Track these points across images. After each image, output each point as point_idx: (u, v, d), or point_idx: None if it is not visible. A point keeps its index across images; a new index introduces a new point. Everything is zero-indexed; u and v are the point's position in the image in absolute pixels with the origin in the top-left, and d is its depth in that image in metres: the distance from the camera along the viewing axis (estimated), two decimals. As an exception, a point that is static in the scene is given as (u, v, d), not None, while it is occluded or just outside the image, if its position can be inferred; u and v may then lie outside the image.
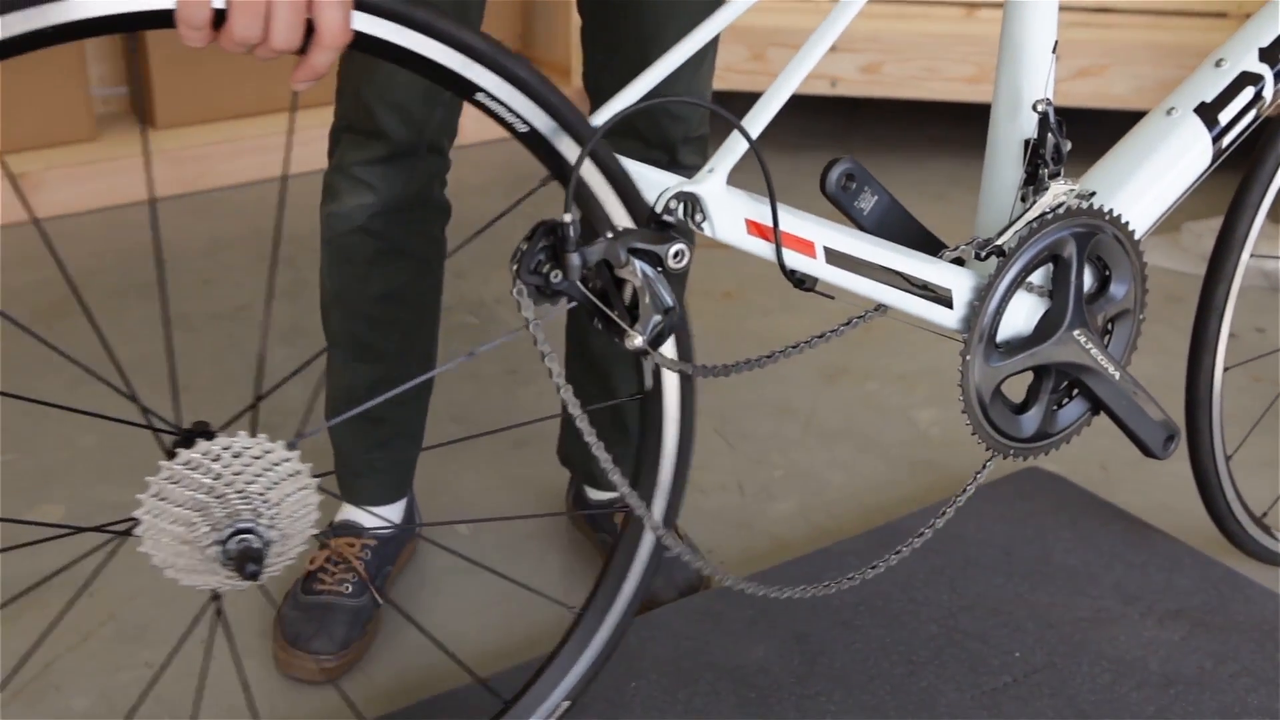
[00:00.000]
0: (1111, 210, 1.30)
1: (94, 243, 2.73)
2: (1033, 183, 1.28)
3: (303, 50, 0.97)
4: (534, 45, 3.70)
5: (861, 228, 1.25)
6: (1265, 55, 1.40)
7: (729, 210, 1.12)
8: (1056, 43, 1.27)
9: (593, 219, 1.15)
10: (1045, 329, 1.29)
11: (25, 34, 0.90)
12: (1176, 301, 2.61)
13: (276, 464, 1.05)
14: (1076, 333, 1.29)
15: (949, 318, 1.25)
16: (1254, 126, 1.42)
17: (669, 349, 1.25)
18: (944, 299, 1.24)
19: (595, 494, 1.82)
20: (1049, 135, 1.26)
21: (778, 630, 1.63)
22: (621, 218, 1.15)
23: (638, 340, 1.10)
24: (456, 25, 1.03)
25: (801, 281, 1.18)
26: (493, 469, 2.00)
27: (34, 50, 0.91)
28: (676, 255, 1.11)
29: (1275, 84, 1.41)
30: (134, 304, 2.51)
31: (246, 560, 1.04)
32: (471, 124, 1.58)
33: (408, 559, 1.80)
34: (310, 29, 0.95)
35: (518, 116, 1.09)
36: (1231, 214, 1.63)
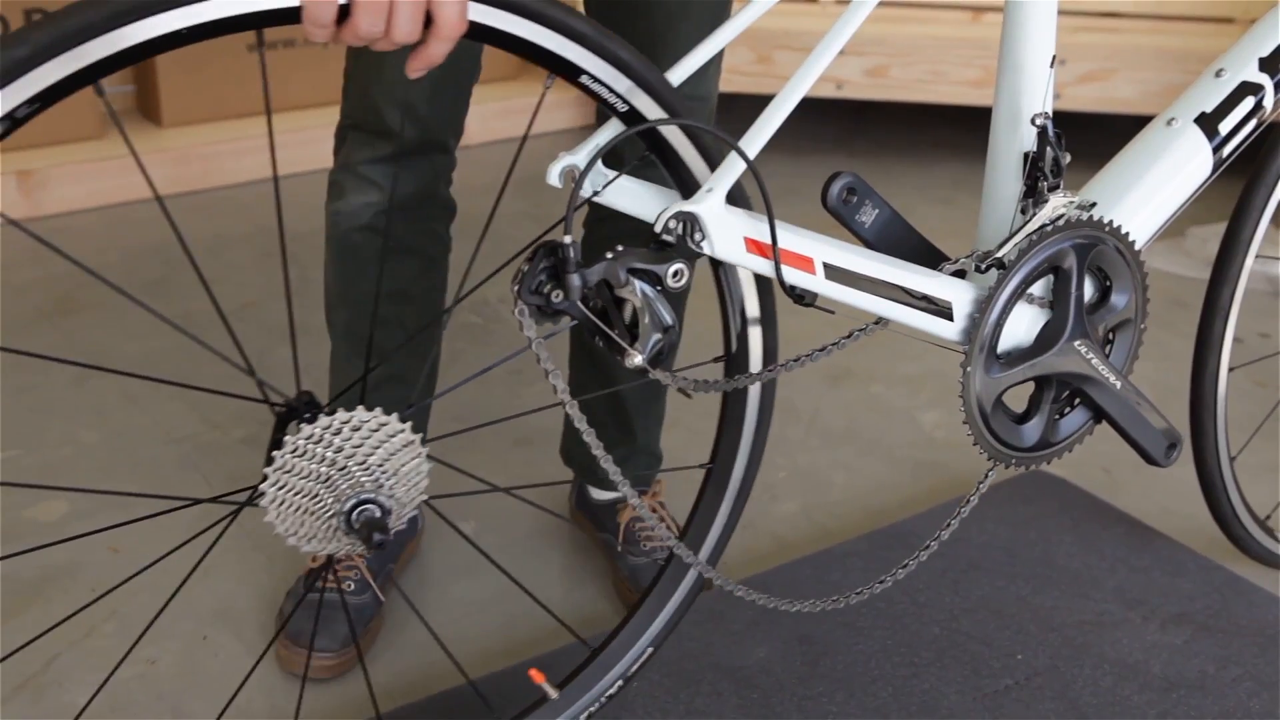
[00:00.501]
0: (1111, 221, 1.30)
1: (99, 240, 2.74)
2: (1033, 195, 1.29)
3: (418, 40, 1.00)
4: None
5: (863, 240, 1.27)
6: (1265, 65, 1.40)
7: (728, 229, 1.13)
8: (1055, 57, 1.28)
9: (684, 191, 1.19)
10: (1046, 340, 1.30)
11: (167, 34, 0.94)
12: (1181, 306, 2.61)
13: (392, 435, 1.10)
14: (1077, 343, 1.30)
15: (950, 330, 1.26)
16: (1255, 136, 1.43)
17: (755, 348, 1.29)
18: (944, 311, 1.25)
19: (598, 494, 1.82)
20: (1048, 149, 1.27)
21: (780, 631, 1.63)
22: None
23: (637, 359, 1.12)
24: (565, 12, 1.07)
25: (801, 297, 1.19)
26: (495, 467, 2.00)
27: (171, 50, 0.95)
28: (676, 275, 1.12)
29: (1276, 94, 1.41)
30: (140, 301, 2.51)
31: (372, 529, 1.09)
32: (476, 124, 1.58)
33: (410, 557, 1.80)
34: (428, 20, 0.98)
35: (619, 97, 1.13)
36: (1236, 216, 1.63)
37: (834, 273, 1.18)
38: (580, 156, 1.21)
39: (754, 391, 1.35)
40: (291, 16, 0.96)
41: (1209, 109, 1.38)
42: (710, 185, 1.13)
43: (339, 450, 1.08)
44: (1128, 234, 1.31)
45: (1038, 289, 1.29)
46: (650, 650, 1.40)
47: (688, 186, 1.20)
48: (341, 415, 1.07)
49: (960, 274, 1.28)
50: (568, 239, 1.07)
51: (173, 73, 3.11)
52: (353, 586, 1.64)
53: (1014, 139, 1.29)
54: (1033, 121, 1.28)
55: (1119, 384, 1.33)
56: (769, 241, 1.14)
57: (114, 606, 1.70)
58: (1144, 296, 1.34)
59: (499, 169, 3.26)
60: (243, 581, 1.76)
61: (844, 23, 1.17)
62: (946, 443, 2.12)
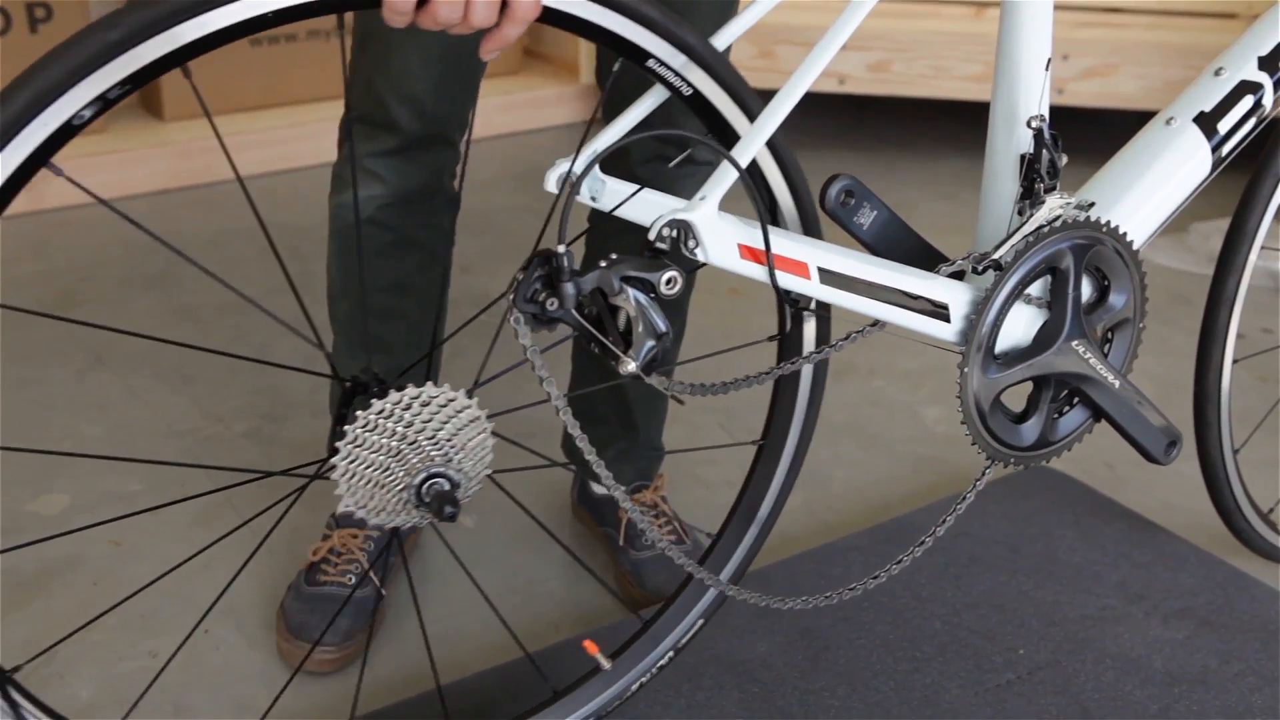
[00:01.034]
0: (1109, 222, 1.30)
1: (101, 234, 2.74)
2: (1030, 196, 1.29)
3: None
4: (542, 43, 3.70)
5: (861, 242, 1.28)
6: (1264, 63, 1.40)
7: (721, 236, 1.13)
8: (1050, 59, 1.28)
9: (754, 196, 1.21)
10: (1044, 340, 1.30)
11: (254, 17, 0.97)
12: (1183, 302, 2.61)
13: (460, 410, 1.13)
14: (1075, 343, 1.30)
15: (947, 331, 1.26)
16: (1254, 134, 1.43)
17: (809, 335, 1.31)
18: (941, 313, 1.25)
19: (599, 488, 1.82)
20: (1044, 151, 1.27)
21: (781, 625, 1.63)
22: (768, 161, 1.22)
23: (631, 366, 1.13)
24: None
25: (796, 302, 1.19)
26: (497, 461, 2.00)
27: (257, 32, 0.98)
28: (669, 282, 1.13)
29: (1275, 92, 1.41)
30: (140, 294, 2.51)
31: (444, 503, 1.13)
32: (478, 118, 1.58)
33: (411, 551, 1.80)
34: (503, 4, 1.02)
35: (684, 80, 1.16)
36: (1242, 207, 1.63)
37: (829, 277, 1.19)
38: (577, 162, 1.22)
39: (807, 369, 1.38)
40: (375, 2, 1.00)
41: (1208, 108, 1.39)
42: (703, 193, 1.13)
43: (409, 425, 1.11)
44: (1125, 234, 1.32)
45: (1035, 289, 1.30)
46: (701, 622, 1.43)
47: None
48: (411, 391, 1.11)
49: (958, 275, 1.29)
50: (562, 248, 1.08)
51: (175, 67, 3.10)
52: (353, 580, 1.64)
53: (1011, 141, 1.30)
54: (1029, 124, 1.28)
55: (1117, 383, 1.33)
56: (763, 248, 1.15)
57: (112, 597, 1.70)
58: (1142, 296, 1.34)
59: (501, 164, 3.28)
60: (244, 575, 1.76)
61: (835, 32, 1.18)
62: (948, 437, 2.12)
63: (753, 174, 1.23)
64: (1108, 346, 1.35)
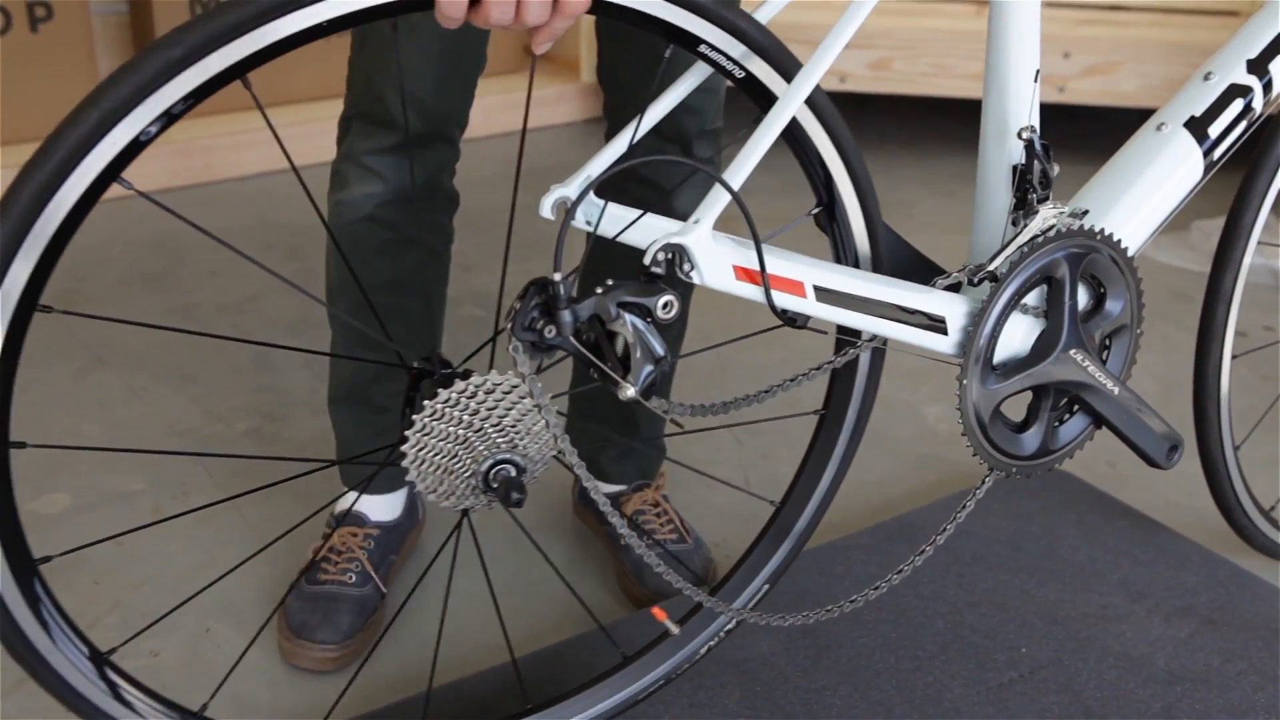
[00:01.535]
0: (1103, 230, 1.31)
1: (101, 233, 2.73)
2: (1023, 207, 1.30)
3: None
4: (542, 39, 3.70)
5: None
6: (1253, 66, 1.41)
7: (716, 258, 1.14)
8: (1038, 71, 1.28)
9: (799, 154, 1.24)
10: (1041, 349, 1.30)
11: (310, 27, 0.99)
12: (1185, 300, 2.61)
13: (524, 397, 1.16)
14: (1073, 351, 1.30)
15: (945, 344, 1.27)
16: (1245, 137, 1.43)
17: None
18: (938, 326, 1.25)
19: (602, 486, 1.82)
20: (1035, 161, 1.28)
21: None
22: (823, 139, 1.24)
23: (630, 391, 1.13)
24: None
25: (793, 320, 1.20)
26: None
27: (314, 41, 1.01)
28: (665, 306, 1.13)
29: (1264, 95, 1.42)
30: (141, 294, 2.51)
31: (511, 489, 1.16)
32: (479, 116, 1.58)
33: (411, 549, 1.80)
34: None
35: (736, 64, 1.17)
36: (1238, 202, 1.63)
37: (825, 295, 1.19)
38: (571, 188, 1.23)
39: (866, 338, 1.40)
40: (423, 4, 1.01)
41: (1198, 112, 1.39)
42: (697, 217, 1.14)
43: (475, 413, 1.14)
44: (1120, 241, 1.32)
45: (1032, 299, 1.30)
46: (767, 587, 1.45)
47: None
48: (475, 379, 1.14)
49: (954, 288, 1.29)
50: (558, 276, 1.08)
51: (175, 66, 3.11)
52: (354, 579, 1.64)
53: (1002, 152, 1.31)
54: (1019, 135, 1.28)
55: (1117, 390, 1.33)
56: (758, 268, 1.15)
57: (117, 598, 1.70)
58: (1139, 302, 1.35)
59: (502, 162, 3.28)
60: (245, 574, 1.76)
61: (839, 30, 1.18)
62: (949, 436, 2.12)
63: (804, 147, 1.24)
64: (1106, 353, 1.36)
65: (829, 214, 1.28)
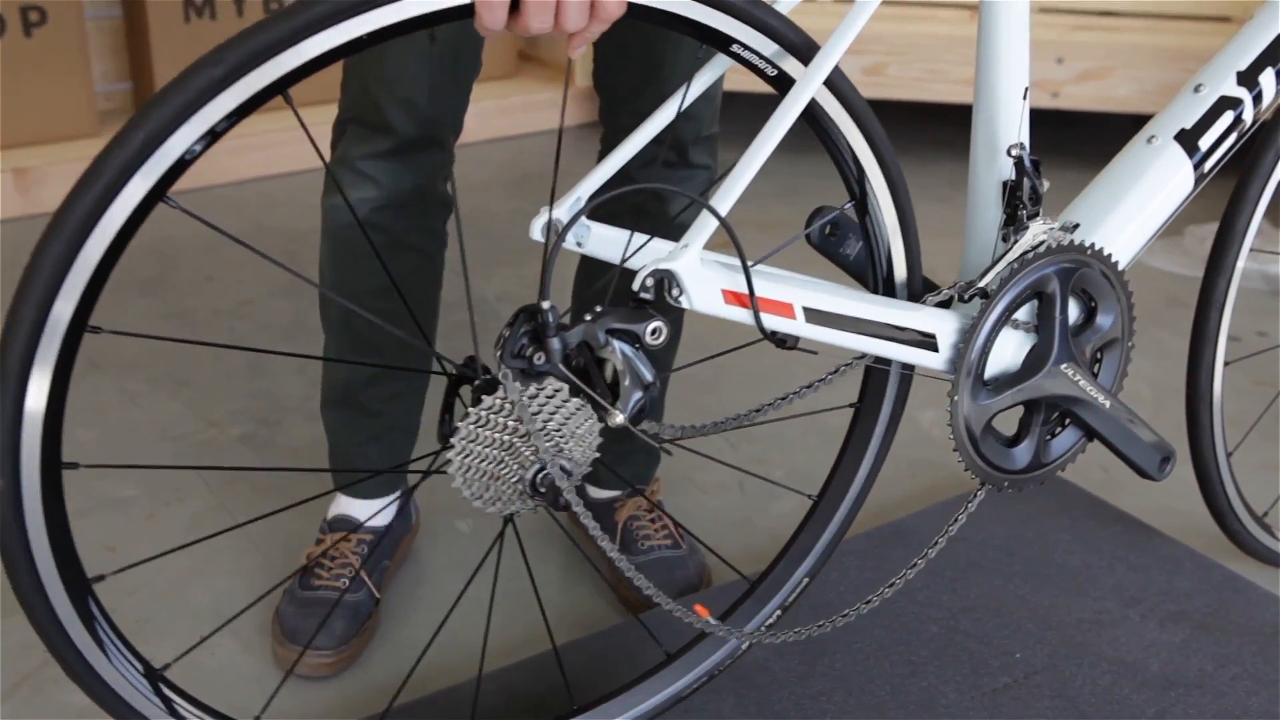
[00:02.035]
0: (1092, 245, 1.31)
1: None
2: (1013, 223, 1.30)
3: None
4: (537, 45, 3.70)
5: (848, 272, 1.30)
6: (1243, 79, 1.41)
7: (705, 283, 1.14)
8: (1027, 89, 1.28)
9: (832, 150, 1.25)
10: (1032, 364, 1.31)
11: (349, 41, 1.00)
12: (1180, 305, 2.61)
13: (566, 400, 1.15)
14: (1064, 366, 1.31)
15: (935, 360, 1.27)
16: (1235, 149, 1.43)
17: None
18: (929, 343, 1.26)
19: (595, 491, 1.82)
20: (1025, 178, 1.28)
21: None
22: (861, 145, 1.25)
23: (619, 418, 1.13)
24: None
25: (783, 341, 1.20)
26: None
27: (357, 53, 1.01)
28: (654, 333, 1.14)
29: (1254, 107, 1.42)
30: (135, 299, 2.51)
31: (559, 494, 1.16)
32: (473, 121, 1.58)
33: (405, 554, 1.79)
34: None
35: (768, 62, 1.18)
36: (1231, 208, 1.63)
37: (814, 315, 1.20)
38: (562, 211, 1.23)
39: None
40: (462, 14, 1.02)
41: (1188, 125, 1.40)
42: (686, 242, 1.14)
43: (519, 419, 1.13)
44: (1110, 255, 1.32)
45: (1022, 314, 1.31)
46: (806, 581, 1.46)
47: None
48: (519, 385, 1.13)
49: (945, 304, 1.30)
50: (546, 304, 1.09)
51: (169, 70, 3.10)
52: (347, 584, 1.64)
53: (992, 169, 1.31)
54: (1009, 152, 1.29)
55: (1108, 403, 1.34)
56: (747, 292, 1.15)
57: (111, 604, 1.70)
58: (1130, 315, 1.35)
59: (496, 166, 3.28)
60: (238, 580, 1.76)
61: (839, 35, 1.18)
62: (943, 441, 2.11)
63: (834, 140, 1.25)
64: (1097, 367, 1.36)
65: (860, 209, 1.29)
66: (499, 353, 1.11)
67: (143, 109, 0.96)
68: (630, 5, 1.06)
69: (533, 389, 1.13)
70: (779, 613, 1.45)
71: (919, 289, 1.33)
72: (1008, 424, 1.35)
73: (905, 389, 1.42)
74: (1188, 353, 1.69)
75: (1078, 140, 3.24)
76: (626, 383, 1.13)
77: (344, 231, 1.55)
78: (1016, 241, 1.29)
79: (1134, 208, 1.37)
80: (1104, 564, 1.79)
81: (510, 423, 1.13)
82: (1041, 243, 1.29)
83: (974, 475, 1.33)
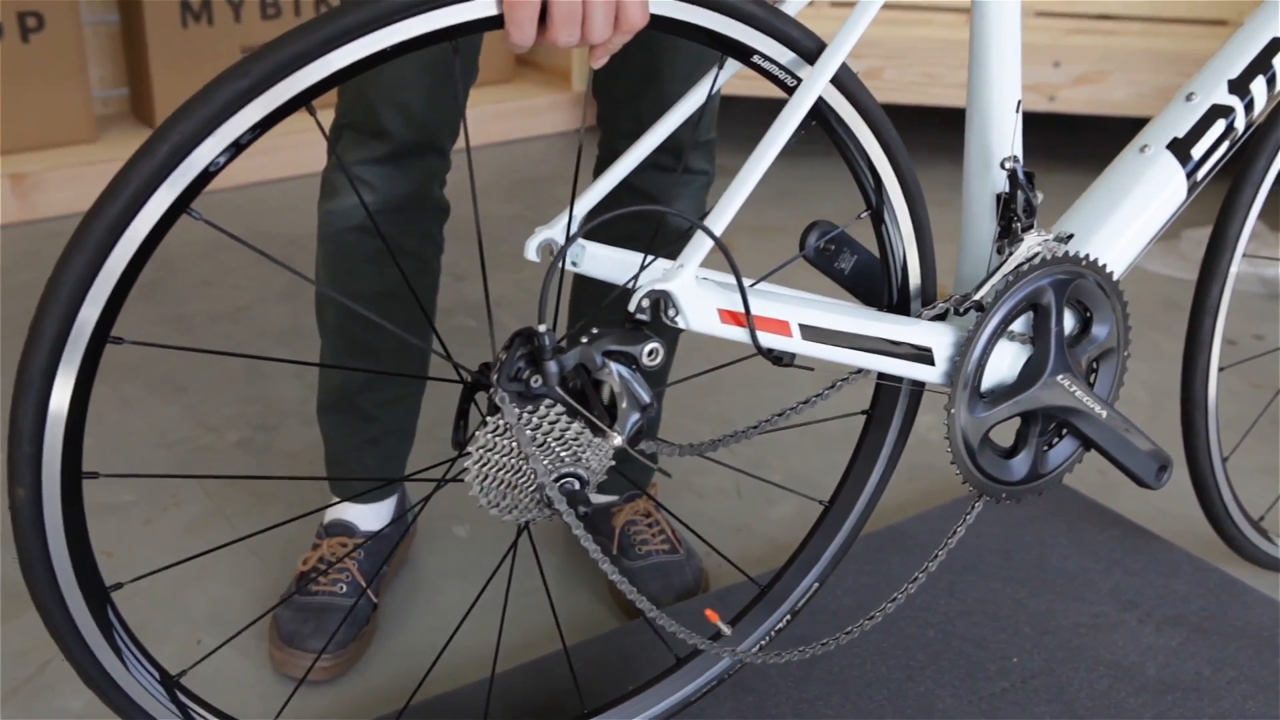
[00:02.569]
0: (1087, 256, 1.31)
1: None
2: (1008, 235, 1.30)
3: None
4: (534, 51, 3.70)
5: (843, 286, 1.30)
6: (1234, 87, 1.42)
7: (700, 303, 1.14)
8: (1020, 102, 1.29)
9: (848, 158, 1.26)
10: (1029, 376, 1.31)
11: (374, 53, 1.00)
12: (1176, 309, 2.61)
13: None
14: (1060, 377, 1.31)
15: (931, 374, 1.28)
16: (1228, 157, 1.43)
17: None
18: (925, 356, 1.26)
19: (593, 497, 1.82)
20: (1019, 191, 1.28)
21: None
22: (877, 153, 1.26)
23: (617, 440, 1.14)
24: None
25: (779, 359, 1.20)
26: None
27: (379, 65, 1.01)
28: (650, 354, 1.14)
29: (1246, 115, 1.43)
30: (132, 303, 2.50)
31: (578, 502, 1.16)
32: (470, 127, 1.58)
33: (403, 559, 1.79)
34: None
35: (788, 73, 1.18)
36: (1224, 213, 1.63)
37: (810, 332, 1.20)
38: (557, 230, 1.23)
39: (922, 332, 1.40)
40: (487, 25, 1.03)
41: (1181, 134, 1.40)
42: (681, 262, 1.14)
43: (538, 427, 1.13)
44: (1104, 266, 1.32)
45: (1018, 326, 1.31)
46: (816, 586, 1.46)
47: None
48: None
49: (941, 316, 1.30)
50: (542, 328, 1.09)
51: (166, 75, 3.10)
52: (344, 589, 1.64)
53: (986, 181, 1.31)
54: (1002, 165, 1.29)
55: (1105, 413, 1.34)
56: (743, 310, 1.16)
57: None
58: (1125, 325, 1.35)
59: (493, 171, 3.28)
60: (236, 585, 1.76)
61: (842, 38, 1.18)
62: (940, 445, 2.11)
63: (850, 146, 1.25)
64: (1094, 377, 1.36)
65: (876, 217, 1.29)
66: (495, 376, 1.10)
67: (168, 121, 0.96)
68: (653, 16, 1.07)
69: (543, 408, 1.12)
70: (789, 618, 1.45)
71: (933, 297, 1.34)
72: (1005, 435, 1.35)
73: (918, 397, 1.43)
74: (1182, 358, 1.70)
75: (1074, 144, 3.25)
76: (624, 404, 1.13)
77: (340, 236, 1.55)
78: (1011, 254, 1.29)
79: (1128, 218, 1.37)
80: (1101, 568, 1.79)
81: (530, 433, 1.13)
82: (1036, 255, 1.29)
83: (971, 487, 1.33)
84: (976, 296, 1.28)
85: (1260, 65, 1.42)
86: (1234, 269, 1.65)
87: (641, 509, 1.79)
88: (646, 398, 1.14)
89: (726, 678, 1.45)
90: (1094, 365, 1.36)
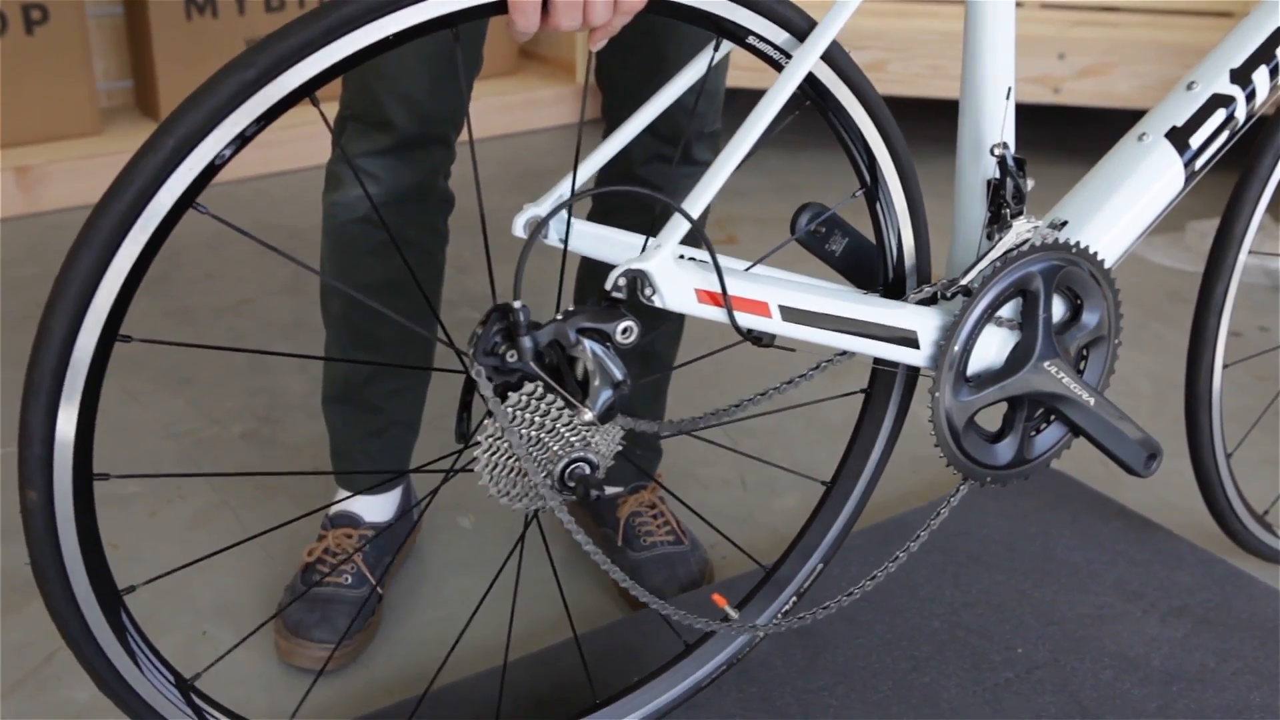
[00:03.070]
0: (1078, 242, 1.31)
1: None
2: (997, 221, 1.30)
3: None
4: (538, 43, 3.70)
5: (834, 268, 1.30)
6: (1236, 76, 1.41)
7: (677, 282, 1.14)
8: (1011, 89, 1.28)
9: (841, 136, 1.27)
10: (1016, 361, 1.31)
11: (377, 41, 1.01)
12: (1181, 301, 2.61)
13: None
14: (1047, 363, 1.30)
15: (917, 357, 1.28)
16: (1227, 147, 1.43)
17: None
18: (910, 340, 1.26)
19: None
20: (1008, 177, 1.28)
21: (780, 625, 1.63)
22: (871, 131, 1.27)
23: (588, 415, 1.14)
24: None
25: (759, 339, 1.20)
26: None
27: (383, 53, 1.02)
28: (625, 331, 1.14)
29: (1247, 104, 1.42)
30: (136, 297, 2.50)
31: (589, 487, 1.16)
32: (474, 119, 1.58)
33: (408, 551, 1.80)
34: None
35: (783, 54, 1.19)
36: (1230, 211, 1.63)
37: (791, 314, 1.20)
38: (544, 207, 1.23)
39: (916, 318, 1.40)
40: (489, 11, 1.04)
41: (1180, 123, 1.40)
42: (659, 242, 1.14)
43: (547, 413, 1.13)
44: (1096, 253, 1.32)
45: (1006, 312, 1.31)
46: (821, 566, 1.46)
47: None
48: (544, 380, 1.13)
49: (929, 299, 1.30)
50: (518, 303, 1.09)
51: (171, 68, 3.11)
52: (350, 580, 1.64)
53: (977, 168, 1.31)
54: (992, 151, 1.29)
55: (1093, 400, 1.34)
56: (720, 290, 1.16)
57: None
58: (1116, 313, 1.35)
59: (497, 164, 3.28)
60: (242, 576, 1.76)
61: (825, 24, 1.18)
62: (946, 437, 2.12)
63: (843, 124, 1.25)
64: (1084, 364, 1.36)
65: (871, 196, 1.29)
66: (472, 350, 1.11)
67: (173, 114, 0.96)
68: (651, 0, 1.08)
69: (550, 395, 1.13)
70: (795, 599, 1.46)
71: (928, 275, 1.34)
72: (993, 420, 1.35)
73: (914, 376, 1.43)
74: (1187, 354, 1.69)
75: (1079, 136, 3.24)
76: (596, 381, 1.13)
77: (344, 228, 1.55)
78: (1000, 240, 1.29)
79: (1122, 205, 1.37)
80: (1105, 559, 1.79)
81: (538, 418, 1.13)
82: (1025, 240, 1.29)
83: (956, 470, 1.33)
84: (964, 281, 1.28)
85: (1263, 55, 1.42)
86: (1239, 266, 1.65)
87: (646, 500, 1.79)
88: (619, 375, 1.14)
89: (736, 661, 1.45)
90: (1084, 353, 1.36)
